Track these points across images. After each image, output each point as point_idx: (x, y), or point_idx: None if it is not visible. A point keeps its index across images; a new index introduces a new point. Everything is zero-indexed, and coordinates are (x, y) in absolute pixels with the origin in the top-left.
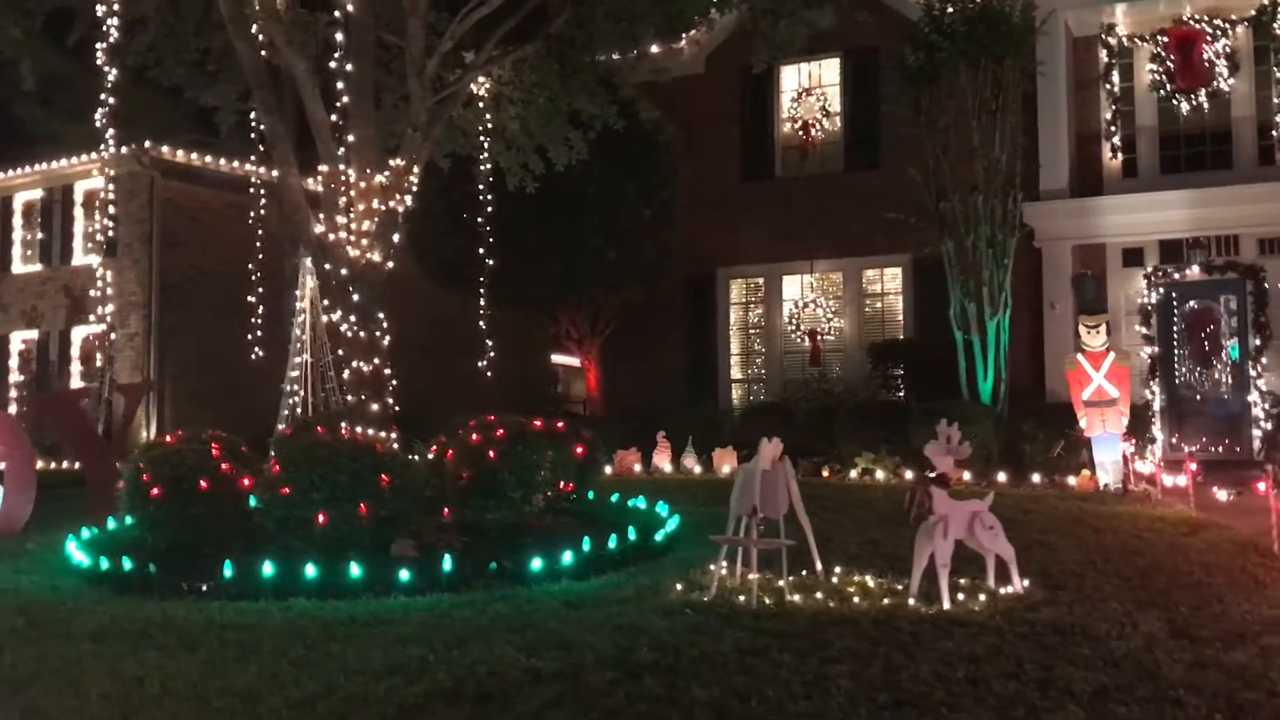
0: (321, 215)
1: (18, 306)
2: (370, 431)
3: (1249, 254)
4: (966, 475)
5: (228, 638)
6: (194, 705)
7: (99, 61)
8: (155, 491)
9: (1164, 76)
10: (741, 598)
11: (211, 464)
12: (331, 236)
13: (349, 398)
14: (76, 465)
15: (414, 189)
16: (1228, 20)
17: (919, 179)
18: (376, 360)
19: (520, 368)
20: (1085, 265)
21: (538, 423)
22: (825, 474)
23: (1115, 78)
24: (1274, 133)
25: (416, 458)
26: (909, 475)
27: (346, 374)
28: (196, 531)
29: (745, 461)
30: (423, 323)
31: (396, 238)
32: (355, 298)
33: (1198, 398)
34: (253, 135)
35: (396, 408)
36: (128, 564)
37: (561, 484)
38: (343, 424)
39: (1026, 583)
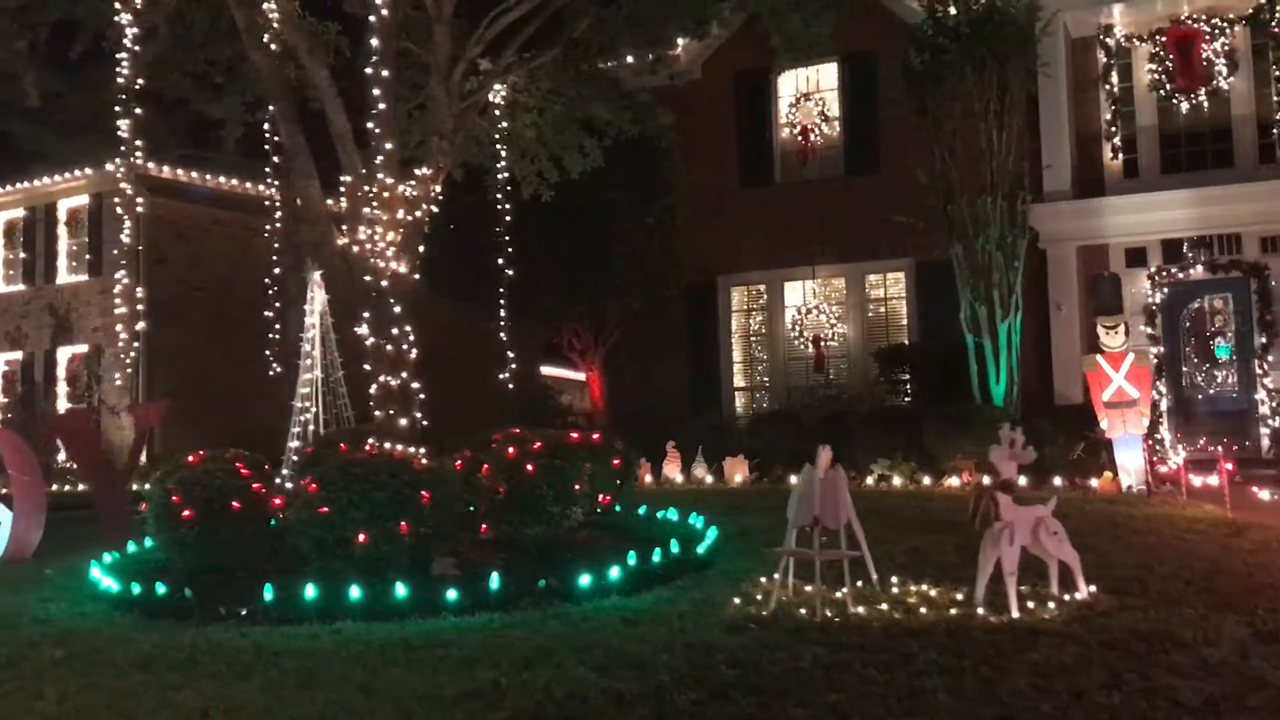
0: (344, 227)
1: (1, 328)
2: (399, 447)
3: (1252, 252)
4: (986, 479)
5: (283, 664)
6: None
7: (120, 73)
8: (186, 514)
9: (1163, 76)
10: (802, 611)
11: (242, 484)
12: (356, 249)
13: (376, 413)
14: (80, 488)
15: (439, 198)
16: (1225, 19)
17: (926, 182)
18: (404, 374)
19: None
20: (1089, 266)
21: (574, 434)
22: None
23: (1114, 78)
24: (1274, 131)
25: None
26: (926, 480)
27: (373, 388)
28: (228, 554)
29: (757, 470)
30: (419, 334)
31: (421, 248)
32: (365, 312)
33: (1203, 397)
34: (265, 147)
35: (425, 422)
36: (161, 589)
37: (600, 497)
38: (369, 440)
39: (1093, 589)
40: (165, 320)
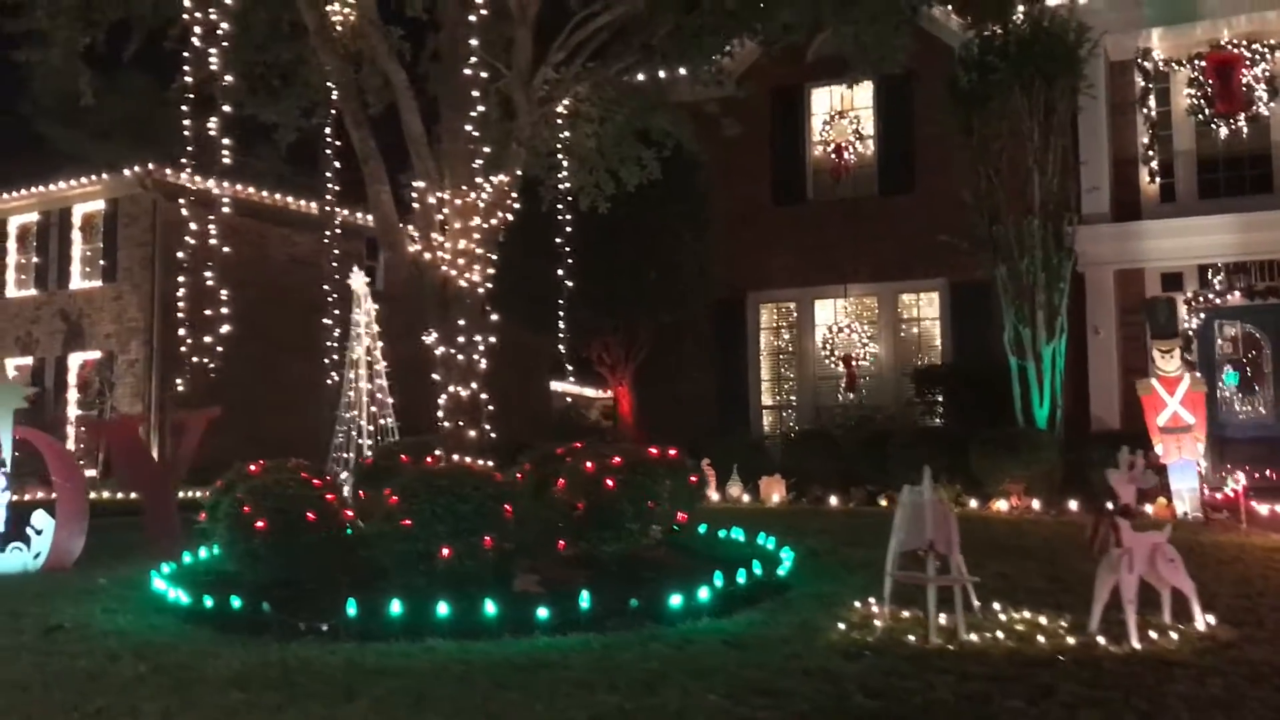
0: (416, 234)
1: (12, 333)
2: (468, 459)
3: None
4: (1036, 504)
5: (386, 685)
6: None
7: (185, 74)
8: (260, 524)
9: (1202, 101)
10: (911, 637)
11: (315, 494)
12: (428, 256)
13: (445, 424)
14: (119, 495)
15: (514, 205)
16: (1266, 45)
17: (971, 202)
18: (474, 385)
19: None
20: (1126, 290)
21: (653, 450)
22: (884, 503)
23: (1152, 102)
24: None
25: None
26: (973, 504)
27: (442, 399)
28: (300, 566)
29: (794, 490)
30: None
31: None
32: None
33: (1240, 423)
34: (327, 151)
35: (494, 434)
36: (236, 602)
37: (678, 514)
38: (435, 451)
39: (1210, 619)
40: (177, 328)
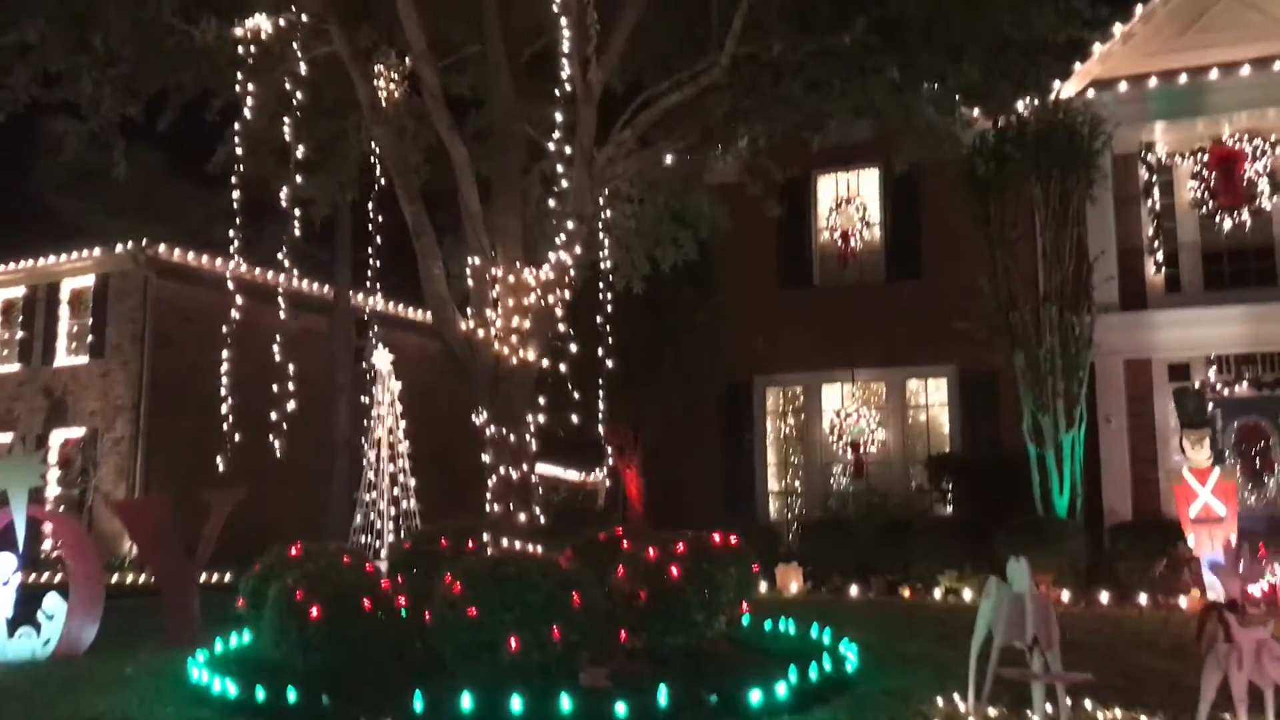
0: (470, 311)
1: None
2: (518, 545)
3: None
4: (1066, 595)
5: None
6: None
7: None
8: (315, 612)
9: (1205, 194)
10: None
11: (371, 581)
12: (480, 333)
13: (494, 507)
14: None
15: (573, 284)
16: (1268, 140)
17: (988, 289)
18: (525, 466)
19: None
20: (1135, 380)
21: (716, 536)
22: (906, 593)
23: (1156, 194)
24: None
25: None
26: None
27: (492, 481)
28: (355, 656)
29: (811, 579)
30: (439, 424)
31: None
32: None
33: (1253, 514)
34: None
35: (543, 519)
36: (292, 695)
37: (742, 605)
38: (482, 535)
39: None
40: (166, 405)
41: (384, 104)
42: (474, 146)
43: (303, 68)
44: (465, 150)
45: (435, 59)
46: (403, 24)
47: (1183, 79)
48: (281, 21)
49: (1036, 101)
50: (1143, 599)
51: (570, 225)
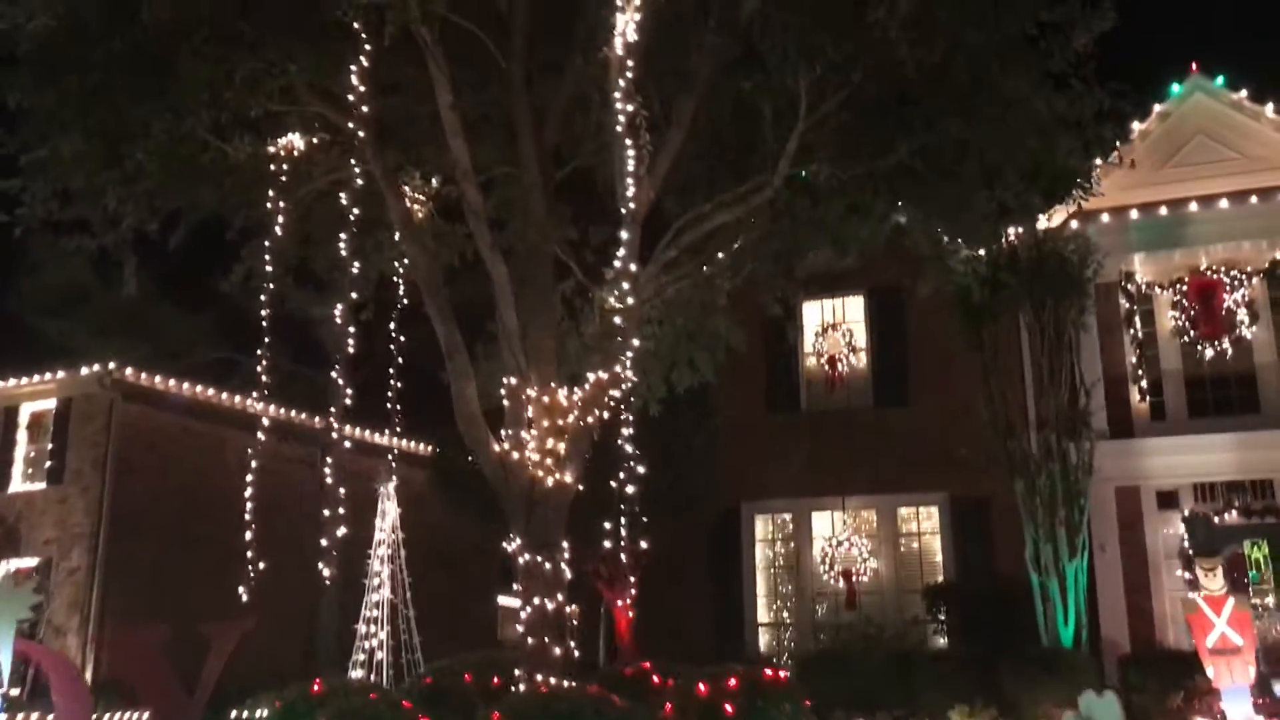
0: (504, 432)
1: None
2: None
3: None
4: None
5: None
6: None
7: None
8: None
9: (1186, 323)
10: None
11: (406, 715)
12: (515, 455)
13: (529, 640)
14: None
15: (610, 405)
16: (1243, 271)
17: (985, 416)
18: (560, 595)
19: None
20: (1125, 508)
21: (768, 672)
22: None
23: (1138, 323)
24: None
25: None
26: None
27: (526, 612)
28: None
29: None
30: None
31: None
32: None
33: None
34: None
35: (578, 652)
36: None
37: None
38: (511, 669)
39: None
40: (127, 533)
41: (417, 221)
42: (513, 264)
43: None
44: (505, 269)
45: (474, 178)
46: (448, 143)
47: (1162, 211)
48: (314, 140)
49: (1021, 231)
50: None
51: (611, 344)
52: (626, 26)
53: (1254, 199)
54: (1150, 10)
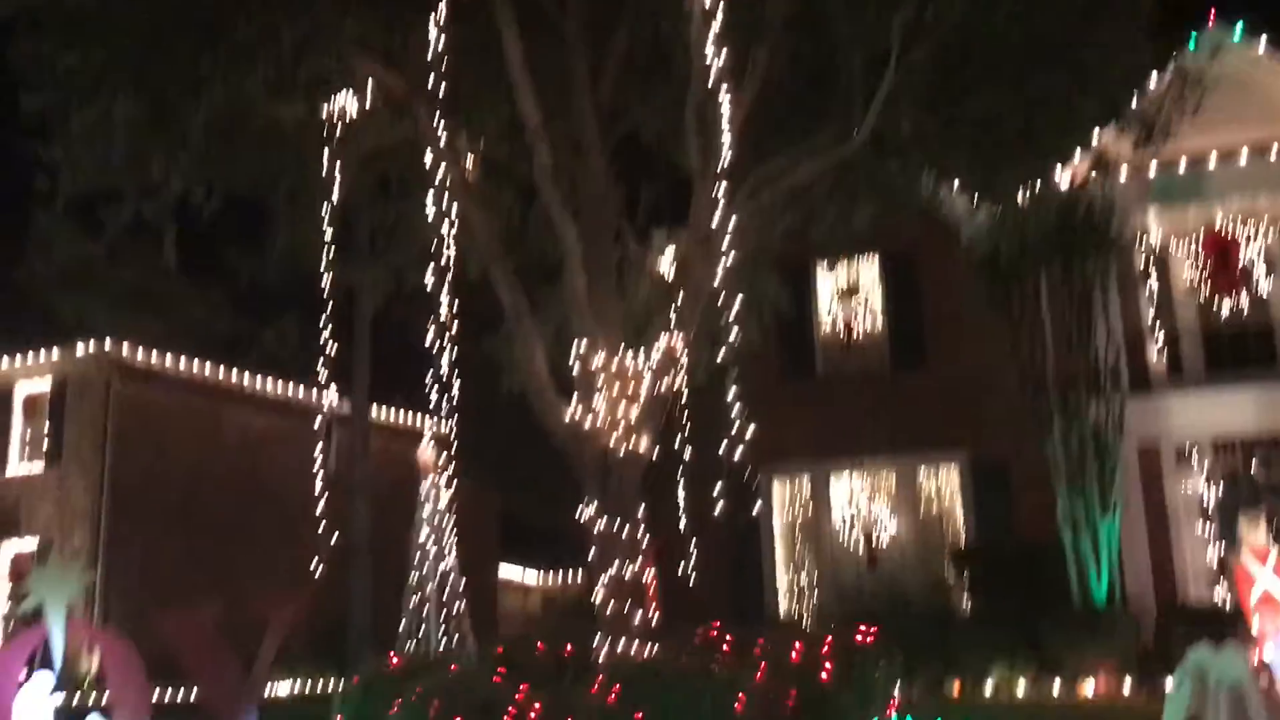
0: (576, 399)
1: None
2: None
3: None
4: (1129, 684)
5: None
6: None
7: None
8: None
9: (1202, 278)
10: None
11: (507, 691)
12: (588, 423)
13: (608, 607)
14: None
15: (684, 368)
16: (1259, 224)
17: (1015, 375)
18: (638, 563)
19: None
20: (1144, 465)
21: (860, 632)
22: (955, 689)
23: (1154, 279)
24: None
25: None
26: (1057, 688)
27: (604, 580)
28: None
29: None
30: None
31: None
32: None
33: None
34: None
35: (657, 618)
36: None
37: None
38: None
39: None
40: (128, 513)
41: (478, 182)
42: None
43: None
44: (575, 230)
45: (546, 136)
46: (518, 100)
47: (1182, 165)
48: (366, 102)
49: (1040, 185)
50: None
51: (685, 306)
52: None
53: (1275, 151)
54: None
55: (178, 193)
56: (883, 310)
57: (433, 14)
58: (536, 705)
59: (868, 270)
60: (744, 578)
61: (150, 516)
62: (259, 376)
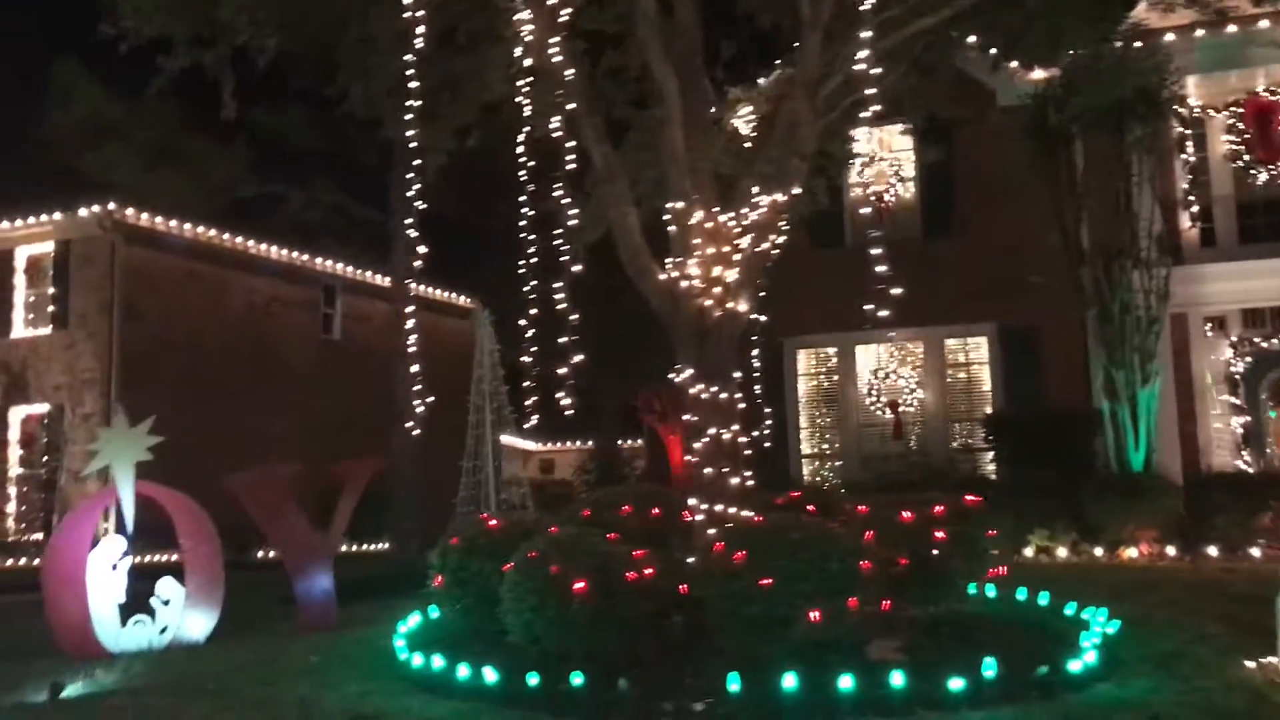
0: (671, 260)
1: None
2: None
3: None
4: (1172, 549)
5: None
6: None
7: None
8: (580, 586)
9: (1241, 147)
10: None
11: (625, 552)
12: (684, 284)
13: (705, 470)
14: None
15: (786, 228)
16: None
17: (1058, 244)
18: (735, 426)
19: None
20: (1174, 333)
21: (970, 497)
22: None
23: (1190, 147)
24: None
25: None
26: (1098, 552)
27: (700, 443)
28: (616, 635)
29: None
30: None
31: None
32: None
33: None
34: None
35: (751, 480)
36: (578, 679)
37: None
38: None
39: None
40: (139, 378)
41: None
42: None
43: None
44: (677, 83)
45: None
46: None
47: (1231, 29)
48: None
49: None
50: (1255, 551)
51: (789, 162)
52: None
53: None
54: None
55: (243, 40)
56: (916, 177)
57: None
58: (649, 569)
59: (900, 138)
60: (767, 447)
61: (161, 381)
62: (265, 244)
